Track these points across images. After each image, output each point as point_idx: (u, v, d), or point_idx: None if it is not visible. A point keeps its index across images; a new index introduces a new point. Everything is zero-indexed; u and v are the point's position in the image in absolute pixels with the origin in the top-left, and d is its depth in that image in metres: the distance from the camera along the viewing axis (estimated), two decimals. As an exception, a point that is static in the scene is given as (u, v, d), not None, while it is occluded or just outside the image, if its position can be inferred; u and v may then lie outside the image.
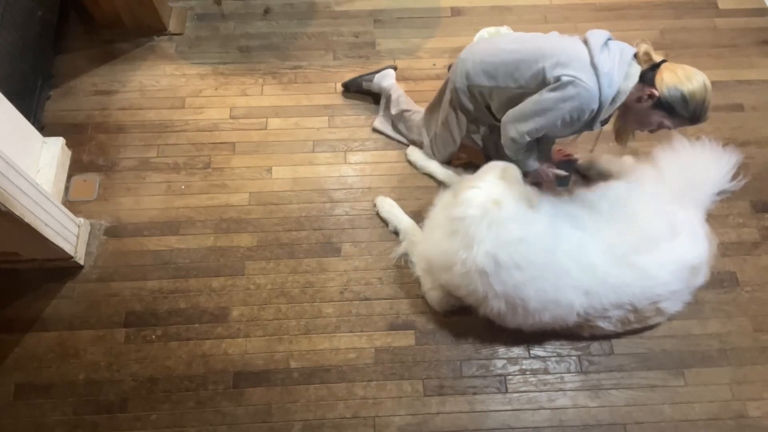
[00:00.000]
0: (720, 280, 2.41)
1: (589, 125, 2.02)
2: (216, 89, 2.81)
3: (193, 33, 2.97)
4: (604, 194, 2.28)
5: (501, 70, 2.08)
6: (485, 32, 2.75)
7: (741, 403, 2.20)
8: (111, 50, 2.88)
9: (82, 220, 2.43)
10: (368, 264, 2.43)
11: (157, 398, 2.18)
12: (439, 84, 2.82)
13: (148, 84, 2.80)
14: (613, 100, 1.93)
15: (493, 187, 2.04)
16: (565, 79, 1.89)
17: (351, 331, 2.30)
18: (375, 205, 2.51)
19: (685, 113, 1.89)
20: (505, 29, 2.75)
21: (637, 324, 2.23)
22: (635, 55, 1.95)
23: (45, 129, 2.64)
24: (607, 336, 2.26)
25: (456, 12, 3.05)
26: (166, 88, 2.80)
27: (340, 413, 2.17)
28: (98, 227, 2.47)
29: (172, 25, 2.95)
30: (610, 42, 1.96)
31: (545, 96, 1.94)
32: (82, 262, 2.38)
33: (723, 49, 2.97)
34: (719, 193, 2.51)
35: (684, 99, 1.86)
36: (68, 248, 2.29)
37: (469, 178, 2.17)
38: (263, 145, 2.68)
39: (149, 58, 2.88)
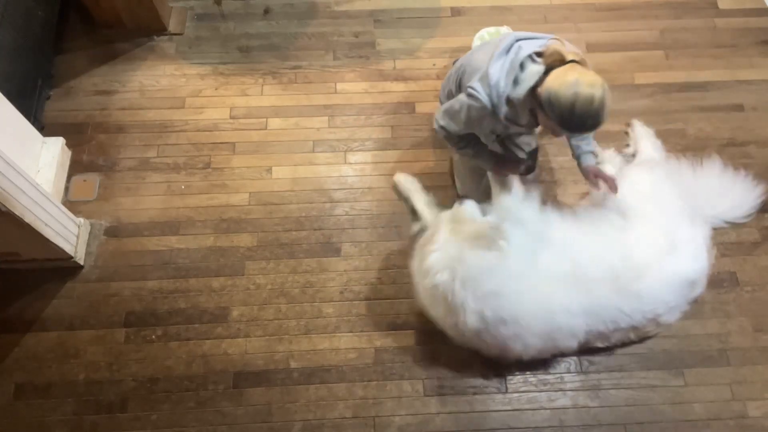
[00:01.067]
0: (720, 280, 2.41)
1: (512, 126, 1.98)
2: (216, 89, 2.81)
3: (193, 33, 2.97)
4: (619, 205, 2.21)
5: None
6: (485, 32, 2.75)
7: (741, 403, 2.20)
8: (111, 50, 2.88)
9: (82, 220, 2.43)
10: (368, 264, 2.43)
11: (157, 398, 2.18)
12: (438, 84, 2.84)
13: (148, 84, 2.80)
14: (512, 105, 1.88)
15: (448, 243, 2.01)
16: (468, 90, 1.93)
17: (351, 331, 2.30)
18: (394, 182, 2.38)
19: (552, 116, 1.77)
20: (505, 29, 2.75)
21: (636, 339, 2.24)
22: (540, 54, 1.84)
23: (45, 129, 2.64)
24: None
25: (456, 12, 3.05)
26: (166, 88, 2.80)
27: (340, 413, 2.17)
28: (98, 227, 2.47)
29: (172, 25, 2.95)
30: (516, 44, 1.88)
31: (457, 97, 2.01)
32: (82, 262, 2.38)
33: (723, 49, 2.97)
34: (729, 222, 2.49)
35: (549, 101, 1.75)
36: (68, 248, 2.29)
37: (426, 239, 2.10)
38: (263, 145, 2.68)
39: (149, 58, 2.88)
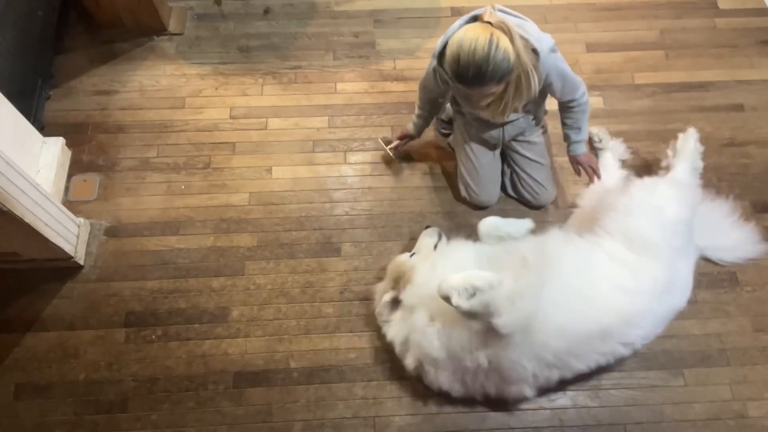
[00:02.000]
0: (720, 280, 2.41)
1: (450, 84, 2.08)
2: (216, 89, 2.81)
3: (193, 33, 2.97)
4: (636, 239, 2.03)
5: None
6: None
7: (741, 403, 2.19)
8: (111, 50, 2.88)
9: (82, 220, 2.43)
10: (368, 264, 2.43)
11: (157, 398, 2.18)
12: (439, 84, 2.84)
13: (148, 84, 2.80)
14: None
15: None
16: None
17: (351, 331, 2.30)
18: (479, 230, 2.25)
19: (447, 67, 1.90)
20: (505, 29, 2.76)
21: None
22: (477, 18, 1.89)
23: (45, 129, 2.64)
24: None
25: (456, 12, 3.05)
26: (166, 88, 2.80)
27: (340, 413, 2.17)
28: (98, 227, 2.47)
29: (172, 25, 2.95)
30: (486, 7, 1.94)
31: None
32: (82, 262, 2.38)
33: (723, 49, 2.97)
34: (712, 260, 2.41)
35: (446, 52, 1.87)
36: (68, 248, 2.29)
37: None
38: (263, 145, 2.68)
39: (149, 58, 2.88)
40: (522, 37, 1.85)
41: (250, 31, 2.98)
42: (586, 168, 2.30)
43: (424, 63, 2.86)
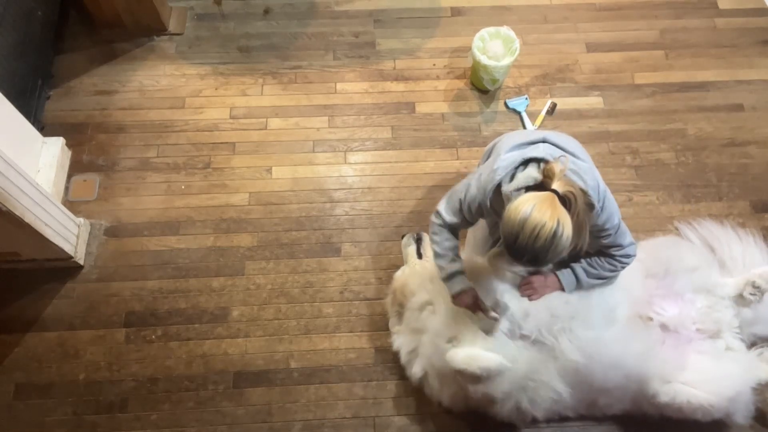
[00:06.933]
0: (720, 280, 2.40)
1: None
2: (216, 89, 2.81)
3: (193, 33, 2.97)
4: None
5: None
6: (485, 32, 2.75)
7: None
8: (111, 50, 2.88)
9: (82, 220, 2.43)
10: (368, 264, 2.43)
11: (157, 398, 2.18)
12: (438, 84, 2.84)
13: (148, 84, 2.80)
14: (499, 196, 1.73)
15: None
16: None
17: (351, 331, 2.30)
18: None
19: (502, 235, 1.63)
20: (505, 29, 2.76)
21: None
22: (539, 162, 1.67)
23: (45, 129, 2.64)
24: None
25: (456, 12, 3.05)
26: (166, 88, 2.80)
27: (340, 413, 2.17)
28: (98, 227, 2.47)
29: (172, 25, 2.95)
30: (541, 144, 1.72)
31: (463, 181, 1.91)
32: (82, 262, 2.38)
33: (723, 49, 2.98)
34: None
35: (503, 219, 1.60)
36: (68, 248, 2.29)
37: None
38: (263, 145, 2.68)
39: (149, 58, 2.88)
40: (582, 191, 1.62)
41: (250, 31, 2.98)
42: (529, 287, 1.94)
43: (424, 63, 2.90)
